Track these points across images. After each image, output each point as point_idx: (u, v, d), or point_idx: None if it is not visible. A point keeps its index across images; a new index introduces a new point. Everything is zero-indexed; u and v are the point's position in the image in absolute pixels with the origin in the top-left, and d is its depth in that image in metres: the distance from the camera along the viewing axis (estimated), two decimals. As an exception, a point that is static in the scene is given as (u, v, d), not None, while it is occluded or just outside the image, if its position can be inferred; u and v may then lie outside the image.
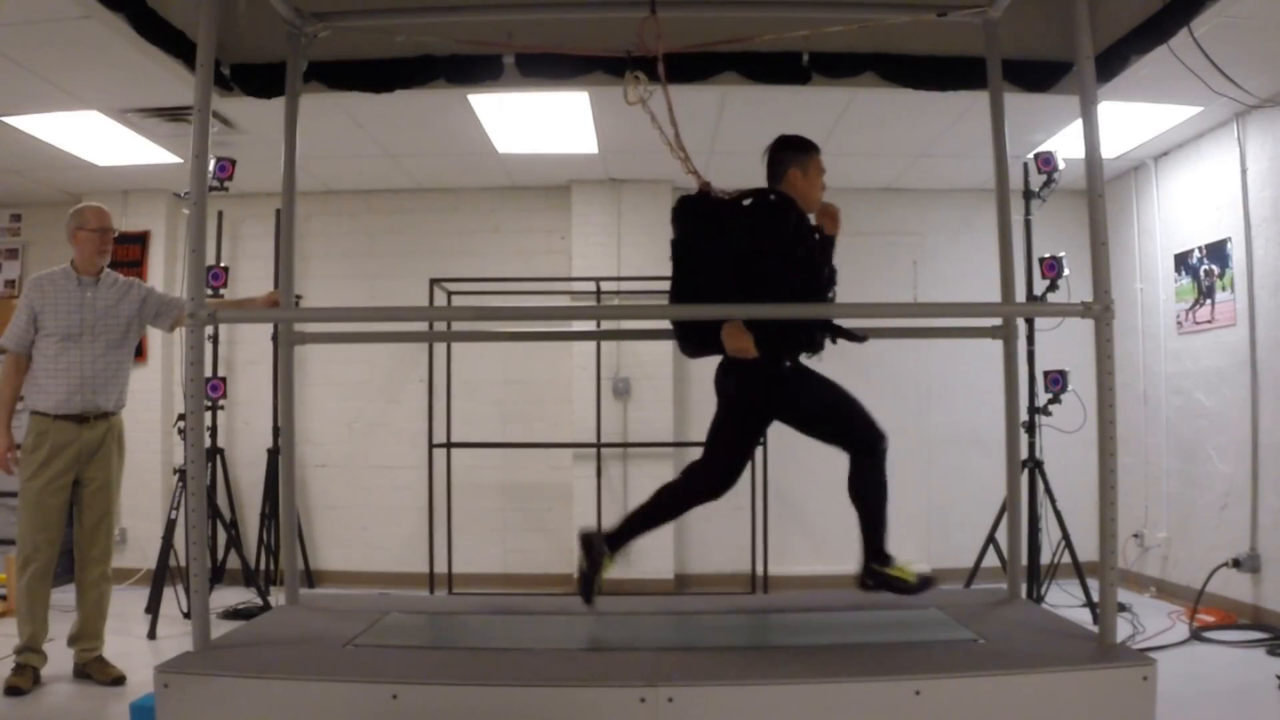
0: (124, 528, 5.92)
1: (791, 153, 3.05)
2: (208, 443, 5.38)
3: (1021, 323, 3.92)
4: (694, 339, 3.05)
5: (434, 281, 5.73)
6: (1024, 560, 4.33)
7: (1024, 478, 4.60)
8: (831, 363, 3.05)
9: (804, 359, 3.01)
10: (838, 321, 3.03)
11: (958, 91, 3.63)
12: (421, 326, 5.03)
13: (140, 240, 6.18)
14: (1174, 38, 3.20)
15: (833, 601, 3.53)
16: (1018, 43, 3.38)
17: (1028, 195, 5.06)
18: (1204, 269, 5.22)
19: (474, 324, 5.00)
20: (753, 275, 2.85)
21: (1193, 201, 5.35)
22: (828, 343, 3.01)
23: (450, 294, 5.90)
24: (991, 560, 4.91)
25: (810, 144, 3.08)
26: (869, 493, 2.95)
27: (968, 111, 4.72)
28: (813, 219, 3.03)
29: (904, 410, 6.16)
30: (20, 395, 3.85)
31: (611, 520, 5.96)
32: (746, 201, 2.93)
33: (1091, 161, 2.76)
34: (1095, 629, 2.81)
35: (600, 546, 3.03)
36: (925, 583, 2.95)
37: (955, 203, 6.30)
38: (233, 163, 4.89)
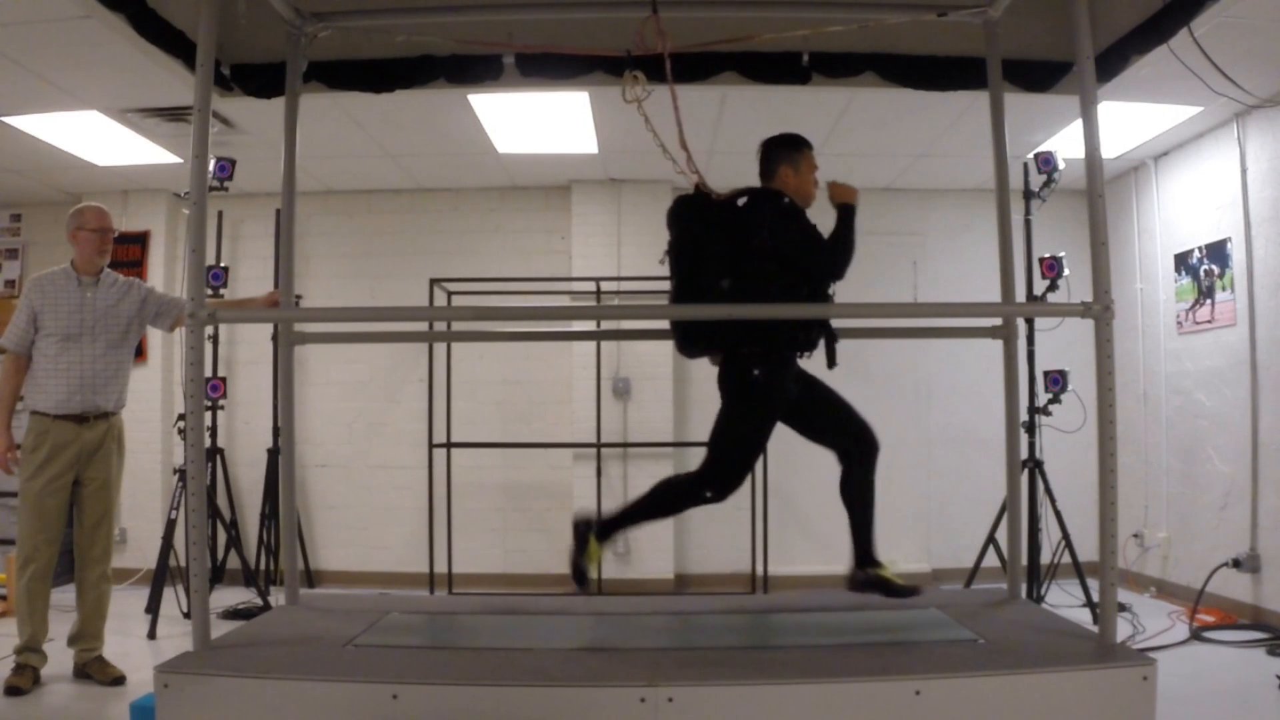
0: (124, 528, 5.92)
1: (782, 150, 3.06)
2: (208, 443, 5.38)
3: (1021, 323, 3.92)
4: (693, 339, 3.05)
5: (434, 281, 5.73)
6: (1024, 560, 4.32)
7: (1024, 478, 4.60)
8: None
9: (801, 360, 3.02)
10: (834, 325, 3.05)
11: (958, 91, 3.63)
12: (421, 326, 5.03)
13: (140, 240, 6.18)
14: (1174, 38, 3.19)
15: (833, 601, 3.53)
16: (1018, 43, 3.38)
17: (1028, 195, 5.06)
18: (1204, 269, 5.22)
19: (474, 324, 5.00)
20: (751, 275, 2.86)
21: (1193, 201, 5.34)
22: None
23: (450, 294, 5.89)
24: (991, 560, 4.91)
25: (801, 140, 3.08)
26: (651, 501, 3.00)
27: (968, 111, 4.72)
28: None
29: (904, 410, 6.17)
30: (20, 395, 3.85)
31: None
32: (741, 201, 2.94)
33: (1091, 161, 2.76)
34: (1095, 629, 2.81)
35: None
36: (585, 580, 2.97)
37: (955, 203, 6.30)
38: (233, 163, 4.89)
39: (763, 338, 2.90)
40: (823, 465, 3.17)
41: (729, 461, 2.98)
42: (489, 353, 6.18)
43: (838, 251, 2.94)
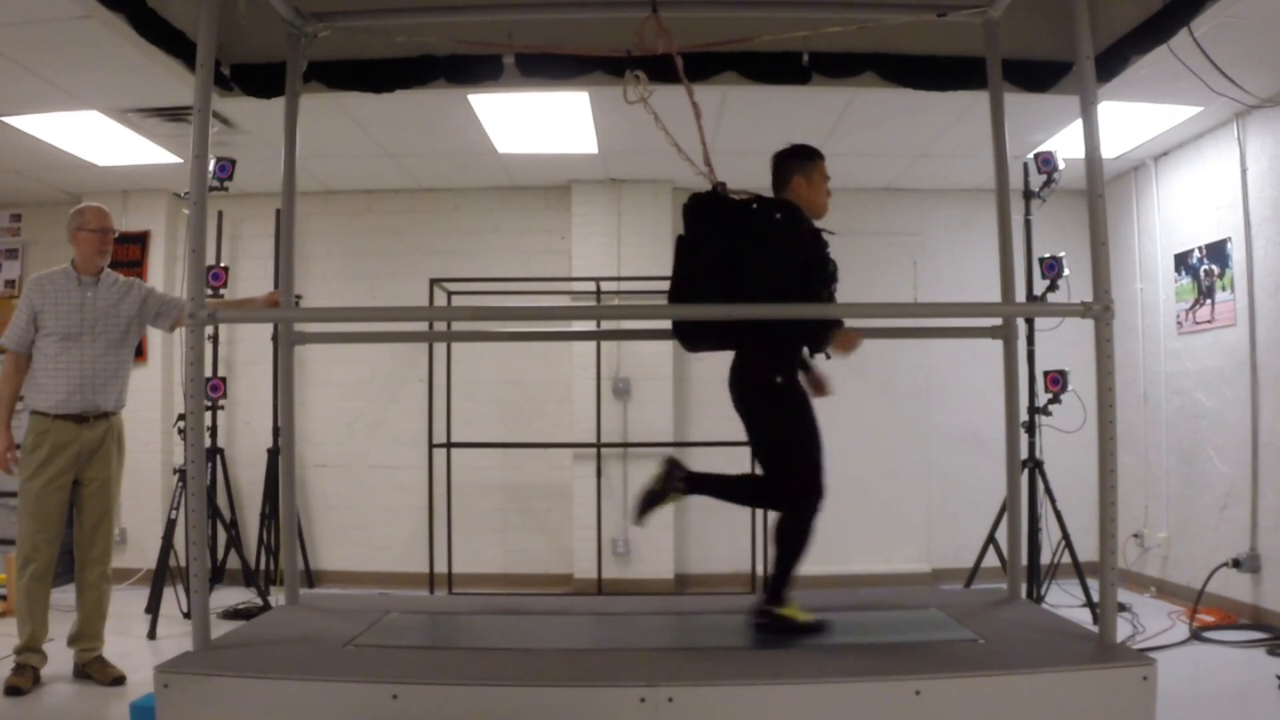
0: (124, 528, 5.92)
1: (796, 160, 3.08)
2: (208, 443, 5.38)
3: (1021, 323, 3.92)
4: (692, 339, 3.08)
5: (434, 281, 5.73)
6: (1024, 560, 4.33)
7: (1024, 478, 4.60)
8: (832, 363, 3.05)
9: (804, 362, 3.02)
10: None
11: (958, 91, 3.63)
12: (421, 326, 5.03)
13: (140, 240, 6.17)
14: (1174, 38, 3.20)
15: (833, 601, 3.53)
16: (1018, 43, 3.38)
17: (1028, 195, 5.06)
18: (1204, 269, 5.22)
19: (474, 324, 5.00)
20: (757, 279, 2.87)
21: (1193, 201, 5.34)
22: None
23: (450, 294, 5.89)
24: (991, 560, 4.91)
25: (814, 151, 3.10)
26: (785, 540, 2.97)
27: (968, 111, 4.72)
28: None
29: (904, 410, 6.16)
30: (20, 395, 3.85)
31: (613, 521, 5.96)
32: (755, 205, 2.95)
33: (1091, 161, 2.76)
34: (1095, 629, 2.81)
35: (677, 479, 2.99)
36: (818, 626, 2.91)
37: (955, 203, 6.30)
38: (233, 163, 4.89)
39: (776, 344, 2.92)
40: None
41: (799, 468, 2.94)
42: (489, 353, 6.18)
43: (820, 314, 2.93)
